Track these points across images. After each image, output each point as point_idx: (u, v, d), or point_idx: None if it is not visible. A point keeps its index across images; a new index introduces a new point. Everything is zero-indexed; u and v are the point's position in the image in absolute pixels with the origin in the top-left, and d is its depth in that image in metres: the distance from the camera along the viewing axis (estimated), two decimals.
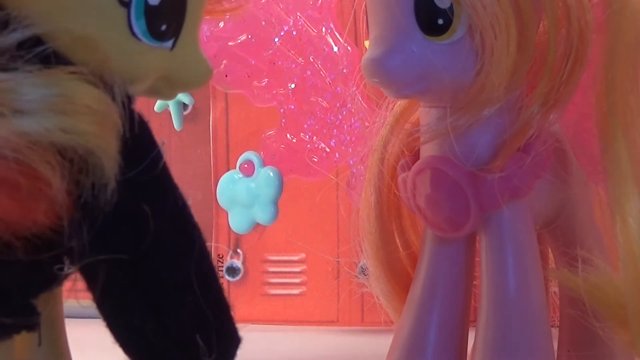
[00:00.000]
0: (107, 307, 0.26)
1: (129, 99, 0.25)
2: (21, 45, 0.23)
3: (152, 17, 0.25)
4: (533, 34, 0.31)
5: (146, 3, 0.25)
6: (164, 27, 0.25)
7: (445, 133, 0.33)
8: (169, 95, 0.28)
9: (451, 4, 0.30)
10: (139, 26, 0.25)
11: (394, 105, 0.39)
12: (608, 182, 0.32)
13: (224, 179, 0.51)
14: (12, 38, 0.22)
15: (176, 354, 0.26)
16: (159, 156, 0.26)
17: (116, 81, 0.24)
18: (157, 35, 0.25)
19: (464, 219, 0.34)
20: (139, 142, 0.25)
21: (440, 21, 0.31)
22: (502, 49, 0.30)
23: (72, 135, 0.22)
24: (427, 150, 0.35)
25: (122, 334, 0.26)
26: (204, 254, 0.27)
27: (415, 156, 0.36)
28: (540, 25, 0.32)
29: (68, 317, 0.30)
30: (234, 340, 0.27)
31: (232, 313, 0.28)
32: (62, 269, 0.24)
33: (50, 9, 0.23)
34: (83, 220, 0.23)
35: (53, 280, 0.25)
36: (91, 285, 0.25)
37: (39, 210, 0.22)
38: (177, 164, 0.58)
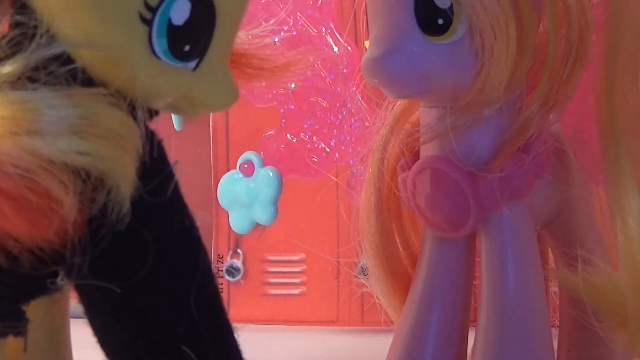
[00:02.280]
0: (97, 321, 0.25)
1: (150, 115, 0.25)
2: (50, 62, 0.22)
3: (174, 36, 0.24)
4: (533, 34, 0.31)
5: (169, 22, 0.24)
6: (187, 48, 0.24)
7: (445, 133, 0.33)
8: (191, 113, 0.27)
9: (451, 4, 0.30)
10: (159, 45, 0.24)
11: (394, 105, 0.38)
12: (608, 182, 0.31)
13: (224, 179, 0.51)
14: (41, 53, 0.22)
15: None
16: (171, 176, 0.25)
17: (139, 101, 0.24)
18: (179, 55, 0.24)
19: (464, 219, 0.34)
20: (154, 164, 0.24)
21: (440, 21, 0.31)
22: (502, 49, 0.30)
23: (88, 158, 0.22)
24: (427, 150, 0.35)
25: (112, 349, 0.26)
26: (208, 277, 0.26)
27: (415, 156, 0.36)
28: (540, 25, 0.32)
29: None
30: None
31: (235, 335, 0.27)
32: (54, 283, 0.24)
33: (70, 23, 0.23)
34: (90, 238, 0.23)
35: (44, 290, 0.25)
36: (83, 299, 0.25)
37: (50, 228, 0.22)
38: (177, 164, 0.58)
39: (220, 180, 0.51)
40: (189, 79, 0.25)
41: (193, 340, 0.25)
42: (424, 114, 0.35)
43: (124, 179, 0.23)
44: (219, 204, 0.52)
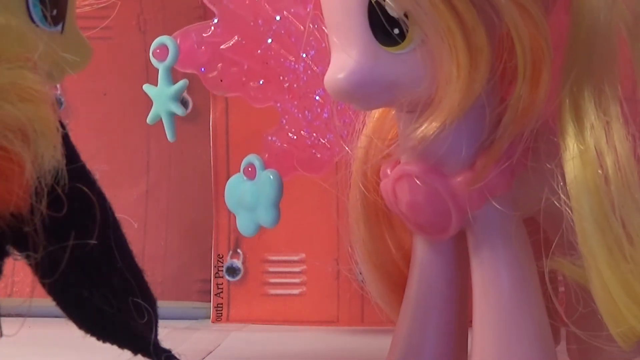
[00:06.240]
0: (57, 285, 0.27)
1: None
2: None
3: (44, 2, 0.26)
4: (483, 40, 0.30)
5: None
6: (55, 12, 0.27)
7: (418, 140, 0.32)
8: (58, 79, 0.29)
9: (405, 13, 0.30)
10: (36, 13, 0.26)
11: None
12: None
13: (230, 182, 0.51)
14: None
15: (122, 319, 0.28)
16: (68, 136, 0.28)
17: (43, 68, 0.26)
18: (50, 19, 0.27)
19: (446, 222, 0.34)
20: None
21: (396, 31, 0.30)
22: (451, 56, 0.29)
23: (27, 120, 0.23)
24: (405, 156, 0.34)
25: (76, 308, 0.27)
26: (117, 223, 0.29)
27: (396, 161, 0.36)
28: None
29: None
30: (154, 300, 0.29)
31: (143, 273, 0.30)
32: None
33: None
34: (37, 205, 0.24)
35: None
36: (36, 269, 0.27)
37: (16, 193, 0.23)
38: (177, 164, 0.58)
39: (228, 183, 0.51)
40: (59, 42, 0.27)
41: (124, 285, 0.28)
42: (398, 120, 0.35)
43: (56, 140, 0.24)
44: (219, 204, 0.52)
